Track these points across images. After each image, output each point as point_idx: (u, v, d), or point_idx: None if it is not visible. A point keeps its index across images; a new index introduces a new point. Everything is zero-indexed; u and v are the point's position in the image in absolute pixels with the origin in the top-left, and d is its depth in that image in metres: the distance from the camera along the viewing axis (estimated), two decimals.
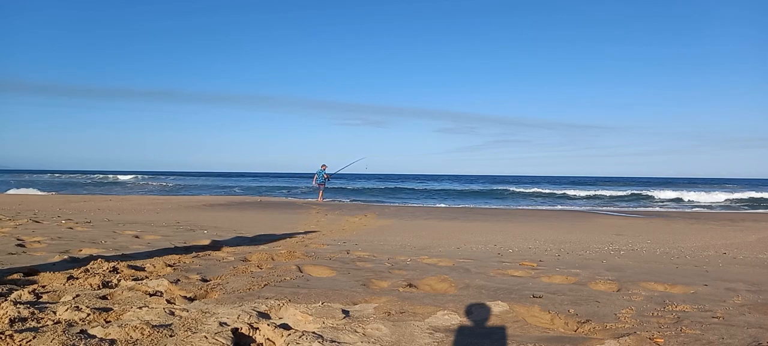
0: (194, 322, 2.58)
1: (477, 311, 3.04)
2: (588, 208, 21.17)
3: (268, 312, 2.92)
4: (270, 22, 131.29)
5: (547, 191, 33.68)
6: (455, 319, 2.86)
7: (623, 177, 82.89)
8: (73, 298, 3.04)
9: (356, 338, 2.47)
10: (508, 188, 36.89)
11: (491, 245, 7.08)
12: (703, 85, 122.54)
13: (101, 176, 59.56)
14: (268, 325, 2.56)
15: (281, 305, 3.04)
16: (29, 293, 3.12)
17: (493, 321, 2.87)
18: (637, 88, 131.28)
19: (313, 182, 20.69)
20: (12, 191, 25.46)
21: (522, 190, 34.73)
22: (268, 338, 2.46)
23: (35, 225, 7.61)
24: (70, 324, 2.49)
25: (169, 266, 4.33)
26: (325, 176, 20.08)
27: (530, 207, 21.33)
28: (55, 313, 2.67)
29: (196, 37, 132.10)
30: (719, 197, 29.02)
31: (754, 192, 31.32)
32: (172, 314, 2.71)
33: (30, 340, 2.20)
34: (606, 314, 3.04)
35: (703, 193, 30.44)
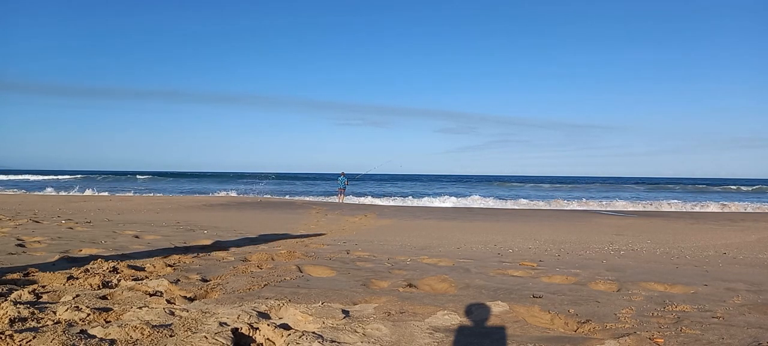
0: (194, 322, 2.58)
1: (477, 311, 3.04)
2: (588, 208, 21.17)
3: (268, 312, 2.91)
4: (270, 23, 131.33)
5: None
6: (455, 319, 2.86)
7: (622, 177, 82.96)
8: (73, 298, 3.04)
9: (356, 338, 2.47)
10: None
11: (491, 245, 7.08)
12: (703, 85, 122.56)
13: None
14: (268, 325, 2.56)
15: (281, 305, 3.04)
16: (29, 293, 3.12)
17: (493, 321, 2.87)
18: (637, 88, 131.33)
19: (337, 190, 24.12)
20: None
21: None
22: (268, 338, 2.46)
23: (35, 225, 7.61)
24: (70, 324, 2.49)
25: (169, 266, 4.32)
26: (346, 183, 23.19)
27: (530, 207, 21.32)
28: (55, 313, 2.67)
29: (196, 38, 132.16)
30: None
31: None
32: (172, 314, 2.71)
33: (30, 340, 2.20)
34: (606, 314, 3.04)
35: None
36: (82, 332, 2.36)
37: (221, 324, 2.54)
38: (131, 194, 24.66)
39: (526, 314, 3.01)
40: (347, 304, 3.14)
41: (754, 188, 46.73)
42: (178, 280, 3.70)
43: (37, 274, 3.78)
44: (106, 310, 2.80)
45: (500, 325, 2.79)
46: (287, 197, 26.32)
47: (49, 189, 28.26)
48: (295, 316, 2.88)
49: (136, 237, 6.60)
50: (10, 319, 2.50)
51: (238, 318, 2.66)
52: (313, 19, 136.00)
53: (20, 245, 5.39)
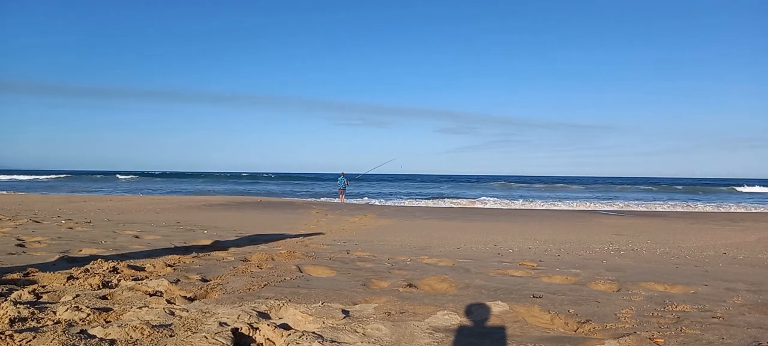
0: (194, 322, 2.58)
1: (477, 311, 3.04)
2: (588, 208, 21.17)
3: (268, 312, 2.92)
4: (270, 23, 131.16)
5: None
6: (455, 319, 2.86)
7: (622, 177, 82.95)
8: (73, 298, 3.04)
9: (356, 338, 2.47)
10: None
11: (491, 245, 7.08)
12: (704, 85, 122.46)
13: None
14: (268, 325, 2.56)
15: (281, 305, 3.04)
16: (29, 293, 3.12)
17: (493, 321, 2.87)
18: (637, 88, 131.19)
19: (337, 190, 24.64)
20: None
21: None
22: (268, 338, 2.46)
23: (35, 225, 7.61)
24: (70, 324, 2.49)
25: (169, 266, 4.33)
26: (346, 183, 23.60)
27: (530, 207, 21.32)
28: (55, 313, 2.67)
29: (196, 38, 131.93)
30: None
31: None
32: (172, 314, 2.71)
33: (30, 340, 2.20)
34: (606, 314, 3.04)
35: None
36: (82, 332, 2.37)
37: (221, 324, 2.54)
38: (130, 195, 24.66)
39: (526, 314, 3.01)
40: (347, 304, 3.14)
41: (755, 188, 46.75)
42: (178, 280, 3.70)
43: (37, 274, 3.78)
44: (106, 310, 2.80)
45: (500, 325, 2.79)
46: (287, 197, 26.36)
47: (21, 192, 28.08)
48: (295, 316, 2.88)
49: (136, 237, 6.61)
50: (10, 319, 2.50)
51: (238, 318, 2.66)
52: (313, 19, 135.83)
53: (20, 245, 5.39)
